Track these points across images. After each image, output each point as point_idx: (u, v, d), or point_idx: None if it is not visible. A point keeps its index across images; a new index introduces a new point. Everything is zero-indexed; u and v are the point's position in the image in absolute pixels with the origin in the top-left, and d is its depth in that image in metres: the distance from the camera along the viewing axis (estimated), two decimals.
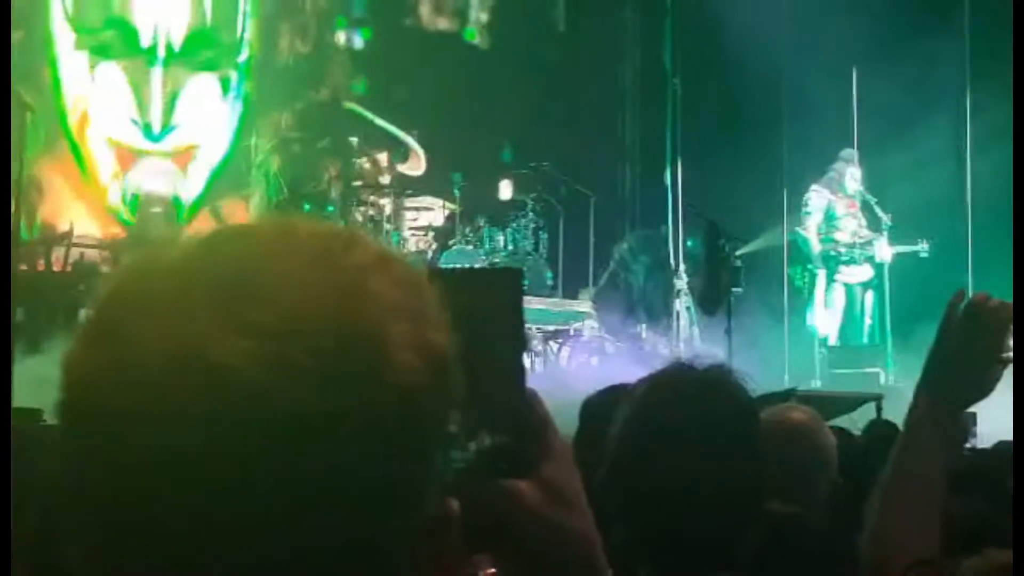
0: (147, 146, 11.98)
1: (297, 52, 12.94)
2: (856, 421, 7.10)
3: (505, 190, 12.35)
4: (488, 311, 0.96)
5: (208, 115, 12.33)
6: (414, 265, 0.84)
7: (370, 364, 0.75)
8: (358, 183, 12.09)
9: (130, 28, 11.89)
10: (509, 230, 11.94)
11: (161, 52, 11.98)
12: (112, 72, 11.89)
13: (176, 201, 11.86)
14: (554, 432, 1.03)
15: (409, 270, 0.82)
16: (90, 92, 11.83)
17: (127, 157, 11.92)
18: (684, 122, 13.61)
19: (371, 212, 11.83)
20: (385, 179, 12.26)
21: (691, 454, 1.92)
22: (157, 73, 12.01)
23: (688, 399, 1.97)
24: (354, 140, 12.45)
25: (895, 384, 10.84)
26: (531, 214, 12.10)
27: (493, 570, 1.64)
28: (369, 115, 12.97)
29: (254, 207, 12.17)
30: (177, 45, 12.08)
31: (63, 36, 11.77)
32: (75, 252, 10.77)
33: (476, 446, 0.98)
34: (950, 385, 1.97)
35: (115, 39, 11.85)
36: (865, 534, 1.93)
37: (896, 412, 4.94)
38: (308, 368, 0.72)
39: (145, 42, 11.93)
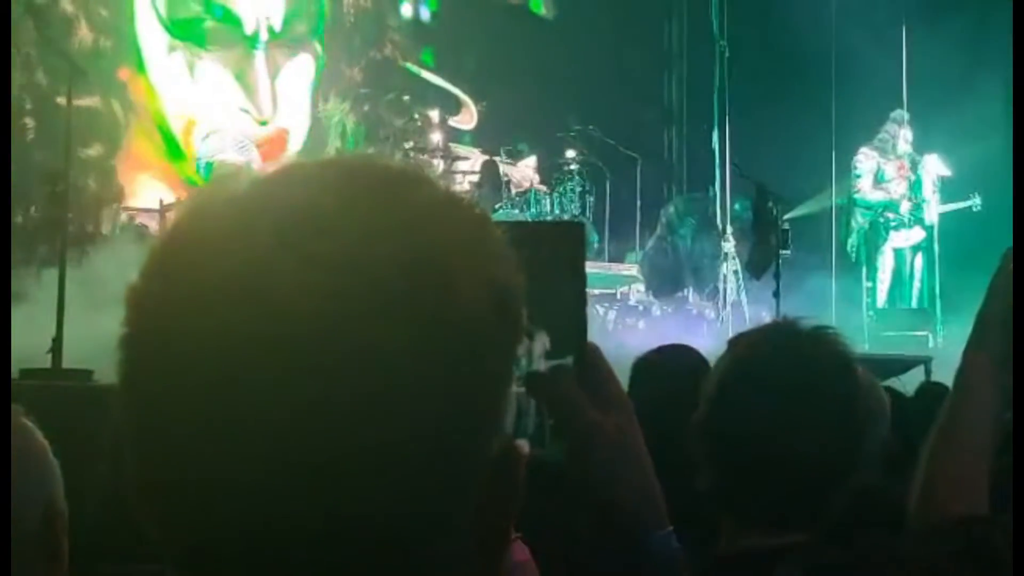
0: (257, 133, 11.93)
1: (361, 8, 12.92)
2: (905, 384, 7.05)
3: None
4: (551, 264, 0.97)
5: (298, 95, 12.30)
6: (481, 206, 0.82)
7: (436, 299, 0.73)
8: (408, 144, 12.11)
9: (233, 16, 11.81)
10: (555, 194, 11.92)
11: (264, 36, 11.92)
12: (213, 67, 11.75)
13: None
14: (616, 383, 1.04)
15: (476, 209, 0.80)
16: (191, 94, 11.69)
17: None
18: (731, 84, 13.50)
19: None
20: (436, 135, 12.28)
21: (787, 408, 1.88)
22: (260, 58, 11.93)
23: (790, 353, 1.93)
24: (407, 98, 12.48)
25: (944, 347, 10.75)
26: (577, 177, 12.07)
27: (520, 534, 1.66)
28: (421, 72, 12.99)
29: None
30: (277, 26, 12.02)
31: (154, 41, 11.60)
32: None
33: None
34: (997, 344, 1.97)
35: (217, 30, 11.73)
36: (915, 489, 1.94)
37: (945, 375, 4.91)
38: (372, 301, 0.71)
39: (249, 28, 11.87)
